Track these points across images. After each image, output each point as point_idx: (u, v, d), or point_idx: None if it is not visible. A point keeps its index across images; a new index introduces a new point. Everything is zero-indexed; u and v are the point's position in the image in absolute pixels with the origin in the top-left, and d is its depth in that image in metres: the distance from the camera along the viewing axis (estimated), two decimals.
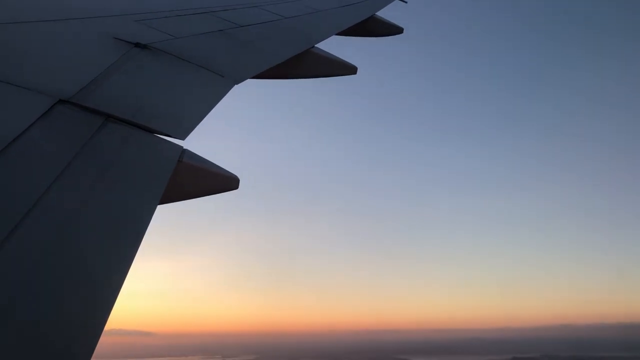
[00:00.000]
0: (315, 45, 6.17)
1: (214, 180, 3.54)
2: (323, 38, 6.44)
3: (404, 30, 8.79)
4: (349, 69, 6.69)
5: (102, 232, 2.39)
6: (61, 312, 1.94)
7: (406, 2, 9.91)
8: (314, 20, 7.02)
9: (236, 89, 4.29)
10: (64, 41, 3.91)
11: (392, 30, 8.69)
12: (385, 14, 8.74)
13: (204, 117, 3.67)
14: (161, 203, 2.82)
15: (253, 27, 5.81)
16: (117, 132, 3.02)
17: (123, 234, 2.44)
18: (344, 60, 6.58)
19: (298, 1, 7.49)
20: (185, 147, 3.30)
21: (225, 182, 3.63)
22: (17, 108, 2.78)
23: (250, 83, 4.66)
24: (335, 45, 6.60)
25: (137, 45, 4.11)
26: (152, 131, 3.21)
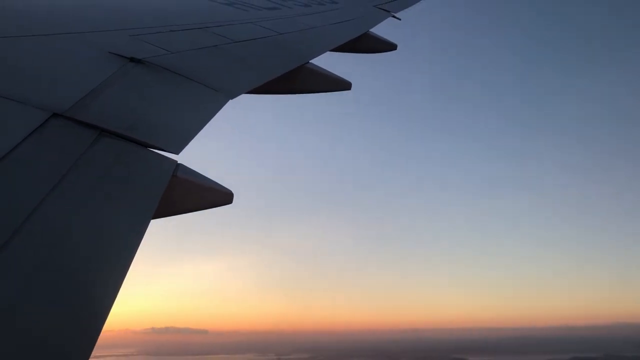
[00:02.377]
0: (310, 61, 6.20)
1: (208, 195, 3.54)
2: (317, 54, 6.47)
3: (398, 47, 8.86)
4: (343, 85, 6.72)
5: (96, 246, 2.37)
6: (54, 326, 1.92)
7: (400, 19, 10.00)
8: (308, 37, 7.07)
9: (230, 103, 4.30)
10: (58, 55, 3.92)
11: (385, 46, 8.76)
12: (379, 30, 8.81)
13: (198, 131, 3.67)
14: (155, 217, 2.81)
15: (248, 43, 5.84)
16: (111, 146, 3.01)
17: (116, 249, 2.43)
18: (338, 76, 6.61)
19: (293, 18, 7.55)
20: (179, 162, 3.30)
21: (220, 197, 3.62)
22: (11, 121, 2.77)
23: (244, 98, 4.68)
24: (329, 62, 6.65)
25: (132, 59, 4.12)
26: (146, 145, 3.20)
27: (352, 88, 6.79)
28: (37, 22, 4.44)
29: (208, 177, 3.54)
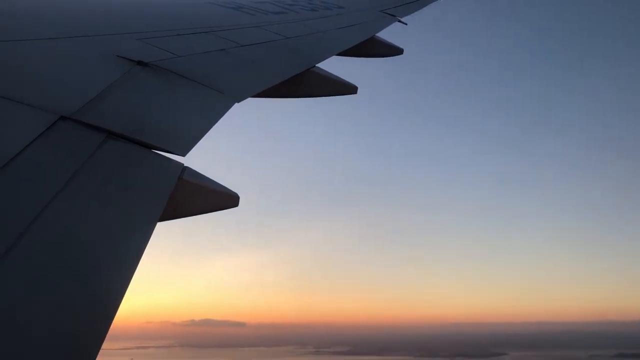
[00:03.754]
0: (316, 65, 6.21)
1: (214, 198, 3.54)
2: (324, 58, 6.48)
3: (404, 51, 8.86)
4: (349, 89, 6.73)
5: (103, 248, 2.38)
6: (61, 327, 1.92)
7: (406, 24, 10.01)
8: (315, 41, 7.08)
9: (237, 107, 4.31)
10: (66, 58, 3.94)
11: (392, 51, 8.76)
12: (385, 35, 8.82)
13: (204, 134, 3.68)
14: (161, 220, 2.81)
15: (254, 47, 5.86)
16: (118, 148, 3.02)
17: (123, 251, 2.43)
18: (345, 80, 6.61)
19: (299, 22, 7.57)
20: (185, 165, 3.31)
21: (226, 200, 3.62)
22: (19, 124, 2.79)
23: (250, 102, 4.69)
24: (335, 66, 6.65)
25: (139, 63, 4.14)
26: (153, 148, 3.21)
27: (358, 92, 6.80)
28: (44, 26, 4.47)
29: (214, 180, 3.55)
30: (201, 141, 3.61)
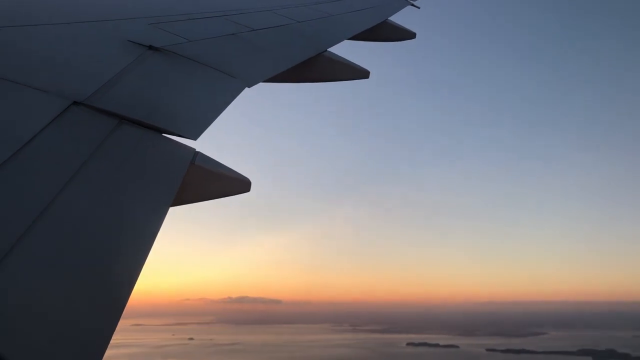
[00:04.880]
0: (328, 50, 6.18)
1: (225, 183, 3.55)
2: (335, 42, 6.44)
3: (417, 35, 8.78)
4: (361, 73, 6.69)
5: (116, 232, 2.39)
6: (75, 310, 1.95)
7: (419, 8, 9.91)
8: (326, 25, 7.03)
9: (248, 91, 4.30)
10: (78, 44, 3.95)
11: (404, 35, 8.68)
12: (398, 19, 8.74)
13: (215, 118, 3.68)
14: (173, 205, 2.82)
15: (266, 31, 5.83)
16: (131, 133, 3.03)
17: (136, 235, 2.45)
18: (356, 65, 6.57)
19: (311, 6, 7.51)
20: (196, 149, 3.32)
21: (237, 185, 3.63)
22: (32, 110, 2.80)
23: (262, 86, 4.67)
24: (347, 50, 6.61)
25: (150, 47, 4.14)
26: (164, 131, 3.22)
27: (370, 76, 6.76)
28: (55, 11, 4.47)
29: (225, 164, 3.55)
30: (212, 126, 3.61)
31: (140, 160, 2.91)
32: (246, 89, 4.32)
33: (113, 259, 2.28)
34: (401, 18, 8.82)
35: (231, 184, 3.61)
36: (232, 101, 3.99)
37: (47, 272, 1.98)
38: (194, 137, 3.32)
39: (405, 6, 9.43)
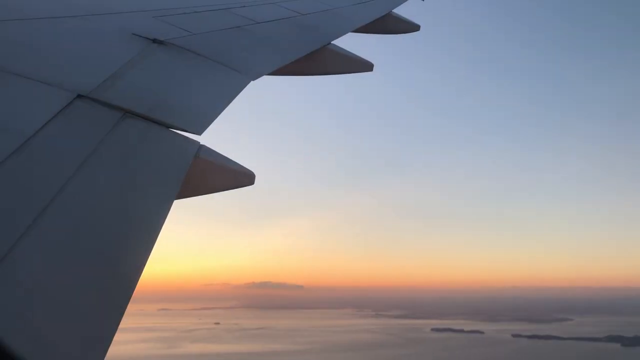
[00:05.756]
0: (332, 42, 6.16)
1: (230, 176, 3.56)
2: (339, 35, 6.42)
3: (421, 28, 8.74)
4: (365, 66, 6.67)
5: (120, 226, 2.41)
6: (79, 304, 1.96)
7: (423, 0, 9.86)
8: (330, 18, 7.01)
9: (252, 84, 4.30)
10: (82, 37, 3.95)
11: (408, 27, 8.64)
12: (402, 11, 8.70)
13: (220, 112, 3.68)
14: (178, 198, 2.83)
15: (270, 24, 5.82)
16: (135, 127, 3.04)
17: (140, 228, 2.46)
18: (361, 57, 6.55)
19: None
20: (201, 143, 3.32)
21: (241, 178, 3.64)
22: (36, 103, 2.82)
23: (266, 79, 4.67)
24: (351, 43, 6.59)
25: (154, 41, 4.14)
26: (169, 126, 3.23)
27: (374, 69, 6.74)
28: (60, 4, 4.47)
29: (230, 157, 3.56)
30: (217, 119, 3.62)
31: (144, 153, 2.92)
32: (250, 81, 4.32)
33: (118, 252, 2.29)
34: (405, 10, 8.79)
35: (235, 177, 3.61)
36: (236, 96, 3.99)
37: (52, 265, 1.99)
38: (199, 132, 3.33)
39: None
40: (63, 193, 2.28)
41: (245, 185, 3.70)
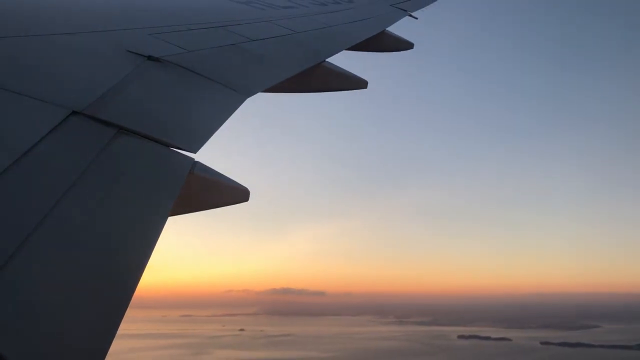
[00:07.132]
0: (326, 60, 6.20)
1: (224, 192, 3.55)
2: (334, 53, 6.47)
3: (414, 46, 8.81)
4: (360, 83, 6.71)
5: (114, 242, 2.39)
6: (73, 320, 1.94)
7: (416, 18, 9.95)
8: (325, 35, 7.06)
9: (246, 101, 4.31)
10: (77, 53, 3.95)
11: (402, 45, 8.72)
12: (396, 29, 8.78)
13: (215, 130, 3.68)
14: (172, 215, 2.82)
15: (264, 42, 5.85)
16: (129, 144, 3.03)
17: (134, 245, 2.44)
18: (355, 75, 6.60)
19: (309, 16, 7.54)
20: (196, 159, 3.31)
21: (236, 194, 3.63)
22: (31, 119, 2.81)
23: (261, 96, 4.68)
24: (345, 60, 6.64)
25: (149, 58, 4.15)
26: (164, 144, 3.22)
27: (368, 87, 6.78)
28: (55, 21, 4.48)
29: (224, 174, 3.55)
30: (212, 136, 3.61)
31: (138, 170, 2.91)
32: (246, 99, 4.32)
33: (111, 269, 2.27)
34: (399, 29, 8.87)
35: (230, 193, 3.61)
36: (232, 113, 3.99)
37: (46, 281, 1.97)
38: (194, 151, 3.32)
39: (403, 17, 9.47)
40: (57, 209, 2.26)
41: (240, 202, 3.69)
